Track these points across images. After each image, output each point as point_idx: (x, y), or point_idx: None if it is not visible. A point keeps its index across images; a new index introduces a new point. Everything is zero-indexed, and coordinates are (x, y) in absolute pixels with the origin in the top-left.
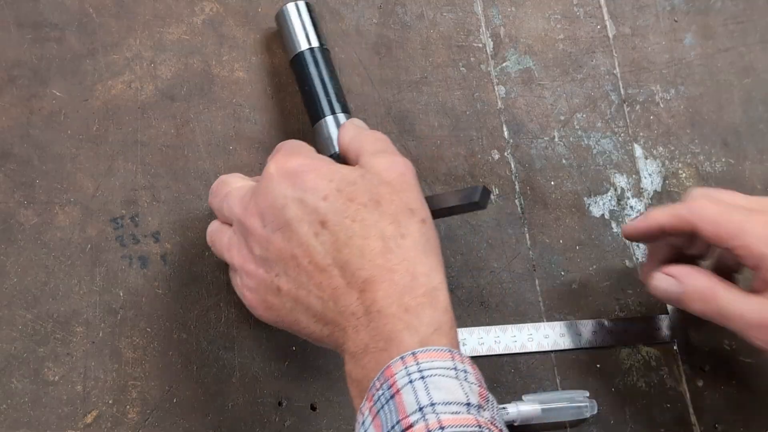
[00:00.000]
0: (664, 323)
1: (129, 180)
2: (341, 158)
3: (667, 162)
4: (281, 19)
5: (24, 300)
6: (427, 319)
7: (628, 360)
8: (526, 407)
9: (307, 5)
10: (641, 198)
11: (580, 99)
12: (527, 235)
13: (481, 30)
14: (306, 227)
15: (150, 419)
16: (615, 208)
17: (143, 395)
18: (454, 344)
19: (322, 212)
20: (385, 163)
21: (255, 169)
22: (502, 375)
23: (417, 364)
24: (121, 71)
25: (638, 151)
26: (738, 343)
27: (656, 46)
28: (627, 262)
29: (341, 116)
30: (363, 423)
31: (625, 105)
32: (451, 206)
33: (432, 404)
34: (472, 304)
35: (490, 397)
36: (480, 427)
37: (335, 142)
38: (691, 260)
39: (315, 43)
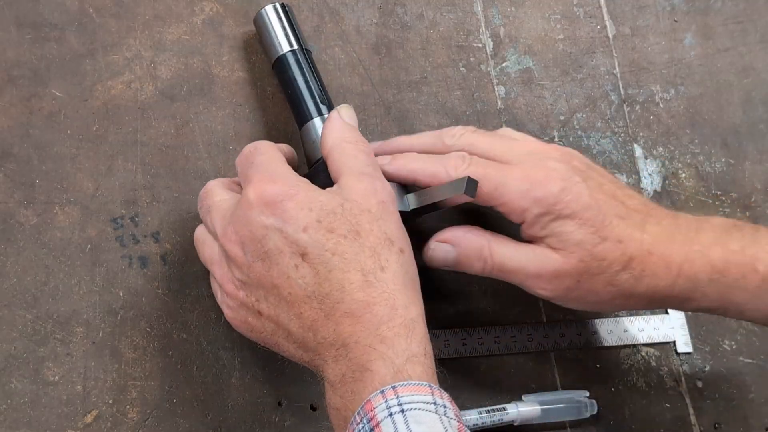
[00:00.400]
0: (664, 323)
1: (129, 180)
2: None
3: (667, 162)
4: (260, 22)
5: (24, 300)
6: (402, 349)
7: (628, 360)
8: (526, 407)
9: (285, 7)
10: None
11: (579, 99)
12: None
13: (481, 30)
14: (287, 259)
15: (150, 419)
16: None
17: (143, 395)
18: (431, 375)
19: (302, 244)
20: (365, 189)
21: None
22: (502, 375)
23: (397, 398)
24: (121, 71)
25: (638, 151)
26: (738, 343)
27: (656, 46)
28: None
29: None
30: None
31: (624, 105)
32: (439, 200)
33: None
34: (472, 303)
35: None
36: None
37: None
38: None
39: (296, 45)
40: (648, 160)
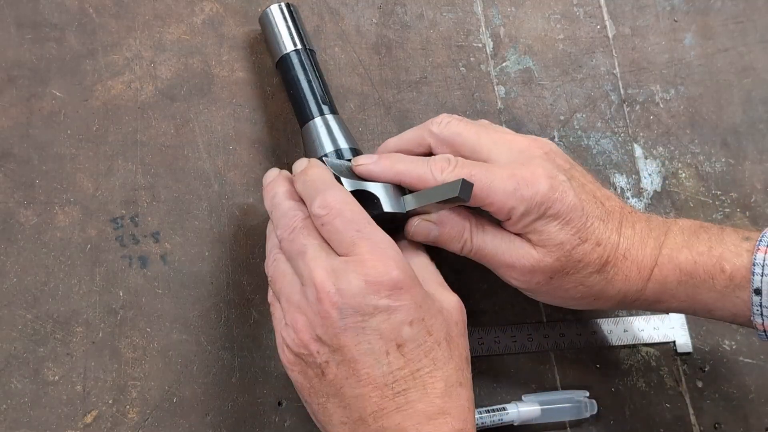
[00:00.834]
0: (664, 323)
1: (129, 180)
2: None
3: (666, 162)
4: (264, 21)
5: (24, 300)
6: None
7: (628, 360)
8: (526, 407)
9: (290, 7)
10: (641, 198)
11: (579, 99)
12: None
13: (481, 30)
14: (382, 343)
15: (150, 419)
16: None
17: (143, 395)
18: None
19: (403, 336)
20: (455, 302)
21: (255, 169)
22: (502, 375)
23: None
24: (121, 71)
25: (638, 151)
26: (738, 343)
27: (656, 46)
28: None
29: (329, 117)
30: None
31: (624, 105)
32: (434, 202)
33: None
34: (472, 303)
35: None
36: None
37: (324, 144)
38: None
39: (300, 45)
40: (648, 160)
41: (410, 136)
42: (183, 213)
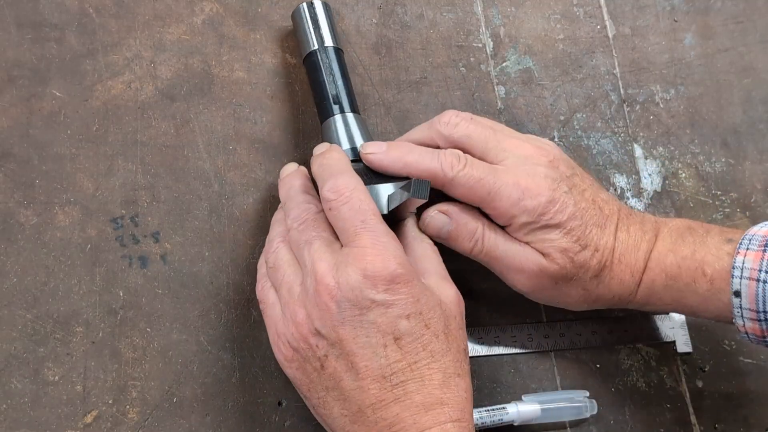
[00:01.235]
0: (664, 323)
1: (129, 180)
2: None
3: (667, 162)
4: (296, 17)
5: (24, 300)
6: None
7: (627, 360)
8: (526, 407)
9: (325, 5)
10: (641, 198)
11: (579, 99)
12: None
13: (481, 30)
14: (379, 336)
15: (150, 419)
16: None
17: (143, 395)
18: None
19: (401, 329)
20: (454, 295)
21: (255, 169)
22: (502, 375)
23: None
24: (121, 71)
25: (638, 151)
26: (738, 343)
27: (656, 46)
28: None
29: (349, 115)
30: None
31: (624, 105)
32: (399, 204)
33: None
34: (472, 303)
35: None
36: None
37: (341, 141)
38: None
39: (328, 43)
40: (648, 160)
41: (418, 137)
42: (183, 213)
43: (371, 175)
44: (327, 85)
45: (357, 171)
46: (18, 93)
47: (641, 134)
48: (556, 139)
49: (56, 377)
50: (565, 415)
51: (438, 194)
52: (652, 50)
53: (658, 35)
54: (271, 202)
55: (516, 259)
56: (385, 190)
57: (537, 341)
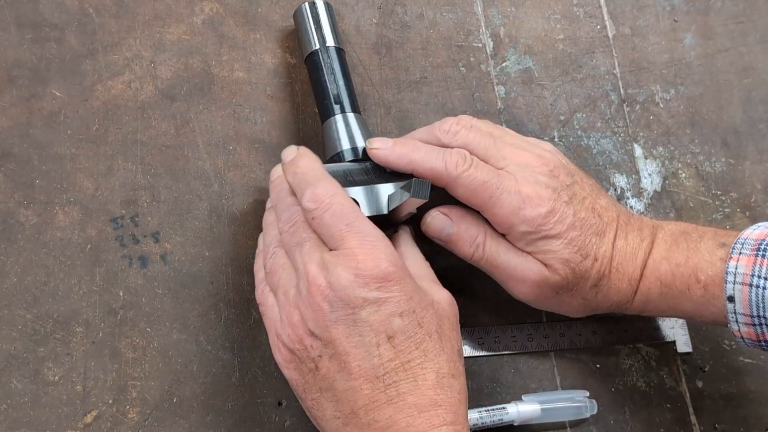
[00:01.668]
0: (664, 323)
1: (129, 180)
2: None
3: (666, 162)
4: (298, 16)
5: (24, 300)
6: None
7: (627, 360)
8: (526, 407)
9: (327, 5)
10: (641, 198)
11: (579, 99)
12: None
13: (481, 30)
14: (372, 335)
15: (150, 419)
16: None
17: (143, 395)
18: None
19: (393, 328)
20: (447, 297)
21: (255, 169)
22: (502, 375)
23: None
24: (121, 71)
25: (638, 151)
26: (738, 343)
27: (656, 46)
28: None
29: (350, 115)
30: None
31: (624, 105)
32: (399, 205)
33: None
34: (472, 303)
35: None
36: None
37: (341, 141)
38: None
39: (330, 43)
40: (648, 160)
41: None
42: (183, 213)
43: (371, 174)
44: (328, 84)
45: (357, 170)
46: (18, 93)
47: (641, 134)
48: (556, 139)
49: (56, 377)
50: (565, 415)
51: (440, 197)
52: (652, 50)
53: (658, 35)
54: None
55: (518, 269)
56: (386, 190)
57: (537, 341)
